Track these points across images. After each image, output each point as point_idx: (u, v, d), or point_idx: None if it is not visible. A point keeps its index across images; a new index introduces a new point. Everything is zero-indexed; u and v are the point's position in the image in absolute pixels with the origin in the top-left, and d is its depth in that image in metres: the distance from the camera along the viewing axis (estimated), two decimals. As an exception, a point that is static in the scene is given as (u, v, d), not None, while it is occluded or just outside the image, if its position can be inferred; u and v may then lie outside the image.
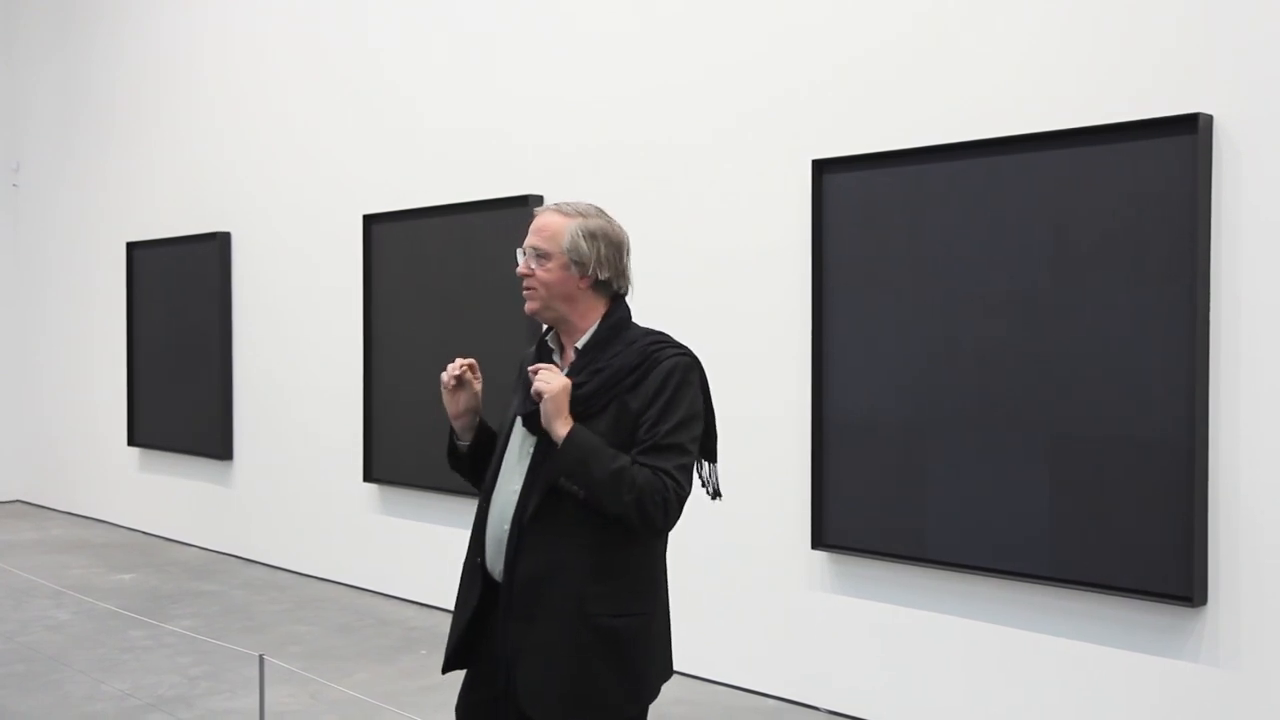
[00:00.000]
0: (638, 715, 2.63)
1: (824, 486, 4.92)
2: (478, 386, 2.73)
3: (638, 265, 6.10)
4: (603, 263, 2.59)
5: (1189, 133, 3.93)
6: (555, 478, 2.47)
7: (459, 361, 2.70)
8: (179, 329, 8.78)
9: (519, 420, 2.62)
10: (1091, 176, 4.17)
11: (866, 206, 4.78)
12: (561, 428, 2.45)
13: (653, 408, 2.49)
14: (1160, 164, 4.00)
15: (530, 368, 2.53)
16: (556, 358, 2.67)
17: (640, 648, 2.58)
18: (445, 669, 2.74)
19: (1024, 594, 4.41)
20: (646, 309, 5.70)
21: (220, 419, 8.38)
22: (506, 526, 2.56)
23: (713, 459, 2.71)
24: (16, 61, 10.95)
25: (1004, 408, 4.38)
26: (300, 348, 7.81)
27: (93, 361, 9.96)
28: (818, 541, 4.94)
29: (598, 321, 2.61)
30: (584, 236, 2.57)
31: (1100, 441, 4.14)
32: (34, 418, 10.81)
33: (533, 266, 2.58)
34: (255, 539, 8.20)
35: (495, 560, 2.60)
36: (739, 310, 5.30)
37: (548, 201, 6.09)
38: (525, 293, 2.61)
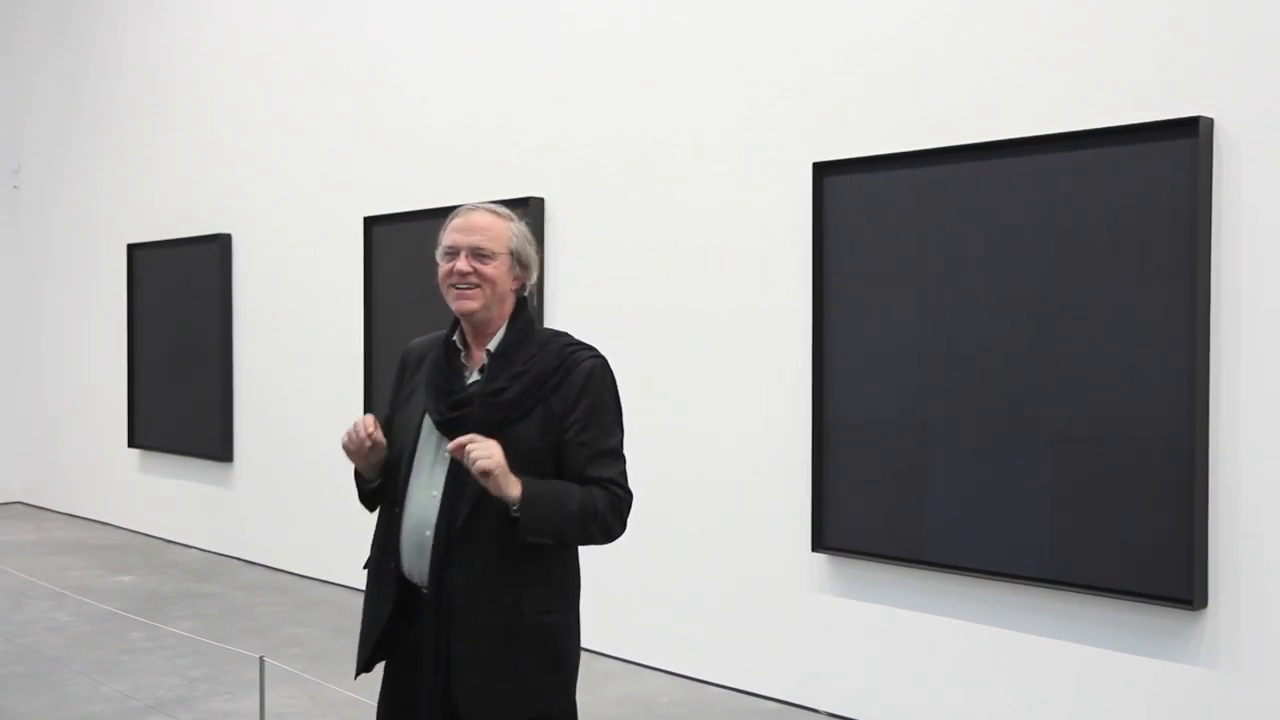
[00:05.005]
0: (569, 706, 2.67)
1: (824, 489, 4.91)
2: (382, 439, 2.64)
3: (639, 266, 6.09)
4: (536, 266, 2.67)
5: (1190, 135, 3.93)
6: (520, 537, 2.46)
7: (369, 424, 2.58)
8: (180, 331, 8.77)
9: (425, 422, 2.61)
10: (1092, 179, 4.17)
11: (867, 209, 4.78)
12: (514, 489, 2.42)
13: (577, 409, 2.54)
14: (1161, 166, 4.00)
15: (452, 448, 2.43)
16: (464, 358, 2.64)
17: (568, 641, 2.62)
18: (360, 673, 2.72)
19: (1024, 597, 4.41)
20: (647, 310, 5.73)
21: (221, 421, 8.37)
22: (429, 532, 2.53)
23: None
24: (16, 62, 10.95)
25: (1004, 410, 4.38)
26: (301, 350, 7.81)
27: (93, 363, 9.96)
28: (818, 544, 4.94)
29: (505, 323, 2.62)
30: (525, 240, 2.64)
31: (1101, 444, 4.14)
32: (35, 419, 10.81)
33: (475, 265, 2.57)
34: (255, 541, 8.20)
35: (415, 566, 2.57)
36: (739, 312, 5.30)
37: (549, 203, 6.12)
38: (467, 291, 2.56)
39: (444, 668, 2.51)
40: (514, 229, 2.63)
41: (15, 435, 10.96)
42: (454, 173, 6.70)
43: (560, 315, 6.02)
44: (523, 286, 2.65)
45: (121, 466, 9.57)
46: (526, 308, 2.67)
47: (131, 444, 9.29)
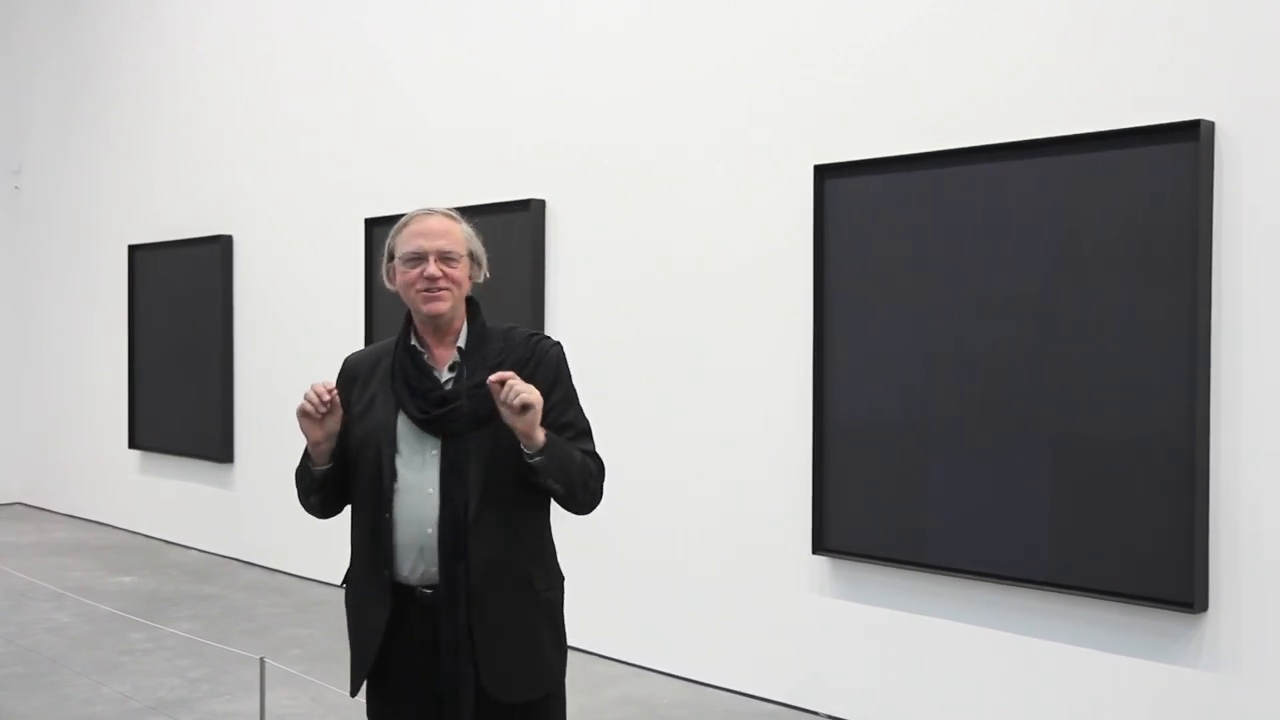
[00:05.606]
0: (563, 684, 2.76)
1: (825, 491, 4.91)
2: (339, 404, 2.62)
3: (639, 267, 6.08)
4: (485, 264, 2.75)
5: (1191, 139, 3.93)
6: (542, 480, 2.54)
7: (325, 387, 2.57)
8: (180, 332, 8.77)
9: (401, 425, 2.60)
10: (1094, 182, 4.16)
11: (868, 211, 4.78)
12: (540, 434, 2.51)
13: (554, 393, 2.64)
14: (1162, 169, 4.00)
15: (493, 379, 2.46)
16: (428, 359, 2.66)
17: (563, 616, 2.75)
18: (356, 691, 2.71)
19: (1025, 599, 4.40)
20: (647, 310, 5.73)
21: (221, 422, 8.37)
22: (431, 529, 2.55)
23: None
24: (16, 62, 10.95)
25: (1004, 413, 4.38)
26: (301, 350, 7.80)
27: (94, 364, 9.96)
28: (818, 546, 4.94)
29: (466, 320, 2.70)
30: (476, 240, 2.73)
31: (1101, 447, 4.14)
32: (35, 420, 10.81)
33: (444, 268, 2.62)
34: (255, 542, 8.19)
35: (416, 566, 2.57)
36: (740, 314, 5.30)
37: (550, 205, 6.12)
38: (439, 293, 2.61)
39: (467, 656, 2.53)
40: (467, 230, 2.72)
41: (15, 435, 10.96)
42: (454, 173, 6.70)
43: (560, 315, 6.02)
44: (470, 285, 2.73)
45: (122, 467, 9.56)
46: (478, 305, 2.75)
47: (132, 445, 9.29)
